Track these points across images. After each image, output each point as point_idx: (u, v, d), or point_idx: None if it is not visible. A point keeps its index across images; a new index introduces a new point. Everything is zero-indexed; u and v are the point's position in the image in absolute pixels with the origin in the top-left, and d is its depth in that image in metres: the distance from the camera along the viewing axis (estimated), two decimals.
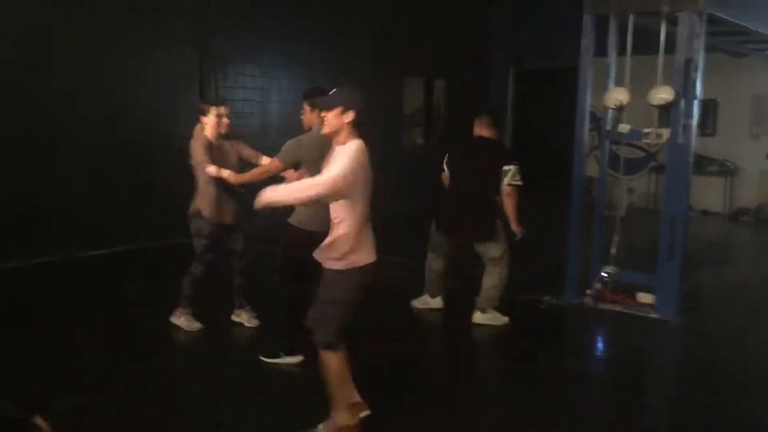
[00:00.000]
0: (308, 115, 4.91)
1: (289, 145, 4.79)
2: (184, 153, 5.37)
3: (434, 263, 6.18)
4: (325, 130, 3.76)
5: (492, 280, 5.86)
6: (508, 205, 5.87)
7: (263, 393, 4.50)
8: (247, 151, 5.48)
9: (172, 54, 8.72)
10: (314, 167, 4.72)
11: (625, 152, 8.34)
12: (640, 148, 10.73)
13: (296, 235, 4.74)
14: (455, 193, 6.00)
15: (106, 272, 7.39)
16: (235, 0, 9.24)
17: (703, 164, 11.51)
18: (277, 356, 4.94)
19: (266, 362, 4.93)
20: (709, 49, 5.94)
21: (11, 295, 6.37)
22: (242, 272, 5.64)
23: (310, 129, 4.89)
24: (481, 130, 6.09)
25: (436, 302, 6.25)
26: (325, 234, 3.78)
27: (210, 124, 5.29)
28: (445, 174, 6.08)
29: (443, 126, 13.28)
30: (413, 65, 12.32)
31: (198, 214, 5.35)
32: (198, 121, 5.35)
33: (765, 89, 11.52)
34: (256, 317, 5.70)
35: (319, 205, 4.30)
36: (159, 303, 5.85)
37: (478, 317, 5.88)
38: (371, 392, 3.86)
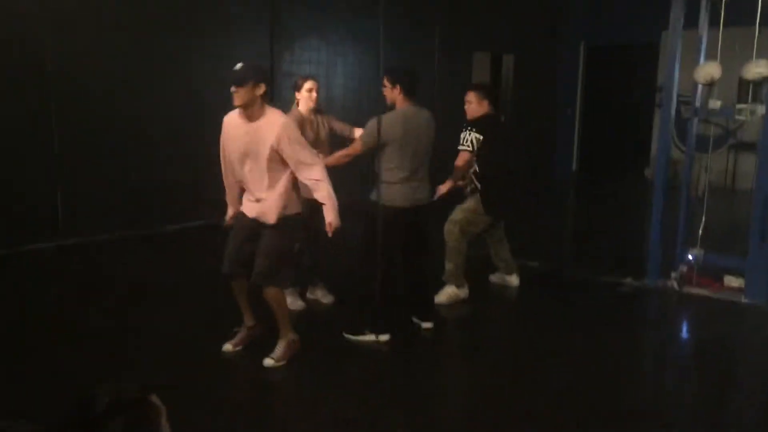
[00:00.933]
0: (388, 92, 4.87)
1: (370, 127, 4.73)
2: None
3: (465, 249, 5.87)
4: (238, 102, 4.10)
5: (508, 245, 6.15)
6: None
7: (342, 372, 4.46)
8: (338, 125, 5.53)
9: (244, 35, 8.72)
10: (398, 146, 4.68)
11: (702, 129, 7.94)
12: (718, 124, 10.33)
13: (391, 214, 4.74)
14: (501, 175, 5.75)
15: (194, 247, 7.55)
16: None
17: None
18: (362, 333, 4.90)
19: (350, 339, 4.89)
20: None
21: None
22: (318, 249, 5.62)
23: (393, 105, 4.84)
24: (483, 106, 5.72)
25: (513, 279, 6.23)
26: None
27: (302, 98, 5.32)
28: (467, 154, 5.60)
29: (510, 102, 13.01)
30: (482, 40, 12.08)
31: None
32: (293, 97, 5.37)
33: None
34: (330, 292, 5.70)
35: (413, 179, 4.33)
36: None
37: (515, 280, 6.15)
38: None
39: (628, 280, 6.32)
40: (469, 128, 5.61)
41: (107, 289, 5.91)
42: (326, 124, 5.47)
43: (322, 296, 5.71)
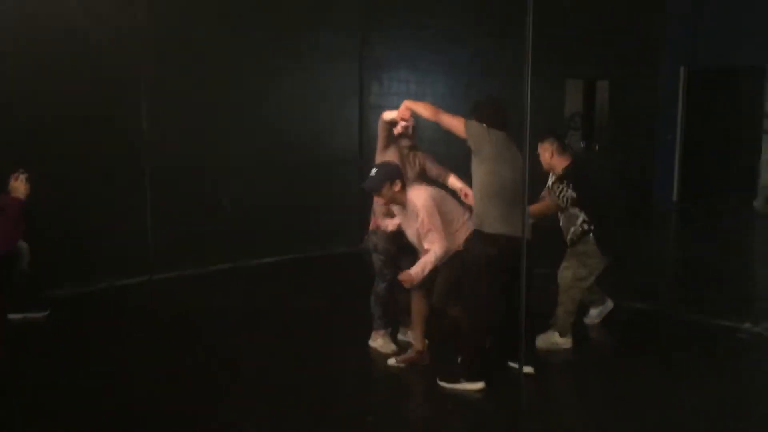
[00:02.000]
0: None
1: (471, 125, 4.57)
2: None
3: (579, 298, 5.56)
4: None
5: None
6: None
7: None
8: (433, 167, 5.30)
9: (332, 65, 8.70)
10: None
11: None
12: None
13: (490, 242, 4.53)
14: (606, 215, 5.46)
15: (280, 282, 7.51)
16: (390, 5, 9.08)
17: None
18: (457, 381, 4.62)
19: (444, 387, 4.63)
20: None
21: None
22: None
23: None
24: (559, 157, 5.40)
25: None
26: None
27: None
28: (551, 205, 5.41)
29: (608, 130, 12.51)
30: (574, 66, 11.68)
31: (376, 228, 5.20)
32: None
33: None
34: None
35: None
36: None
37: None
38: None
39: (747, 325, 5.78)
40: (565, 182, 5.31)
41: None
42: (421, 162, 5.23)
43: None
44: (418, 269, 4.61)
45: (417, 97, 9.47)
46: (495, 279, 4.57)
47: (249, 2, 7.89)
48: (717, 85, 13.17)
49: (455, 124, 4.55)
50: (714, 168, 13.25)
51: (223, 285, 7.30)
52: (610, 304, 5.91)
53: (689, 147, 13.23)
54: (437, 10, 9.46)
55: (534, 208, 5.29)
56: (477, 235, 4.58)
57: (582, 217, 5.34)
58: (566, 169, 5.35)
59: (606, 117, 12.70)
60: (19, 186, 5.82)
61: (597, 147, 12.52)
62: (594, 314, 5.93)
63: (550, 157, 5.39)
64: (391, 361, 5.04)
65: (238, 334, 5.73)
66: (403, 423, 4.29)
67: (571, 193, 5.27)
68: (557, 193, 5.33)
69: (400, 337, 5.49)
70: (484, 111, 4.65)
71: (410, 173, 5.07)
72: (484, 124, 4.57)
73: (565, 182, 5.30)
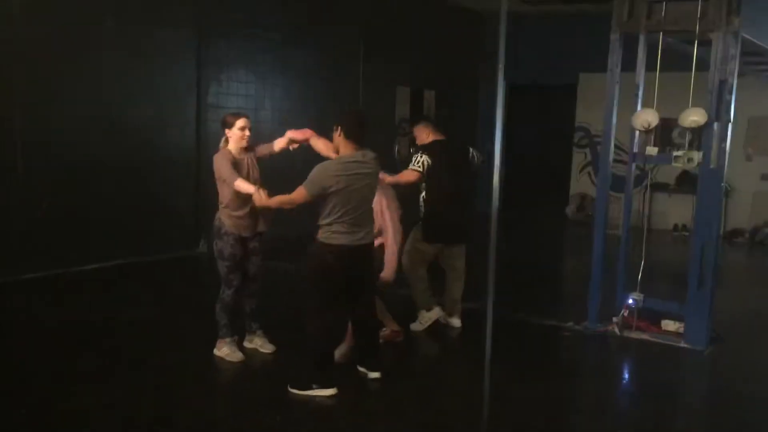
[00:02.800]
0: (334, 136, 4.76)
1: (315, 175, 4.50)
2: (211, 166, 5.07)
3: (424, 274, 6.02)
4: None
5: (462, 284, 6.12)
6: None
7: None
8: (260, 148, 5.17)
9: (170, 61, 8.36)
10: (344, 196, 4.47)
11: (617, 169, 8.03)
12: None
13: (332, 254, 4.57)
14: (447, 199, 5.84)
15: (114, 288, 7.10)
16: (232, 5, 8.90)
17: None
18: (309, 387, 4.61)
19: (296, 394, 4.60)
20: (703, 68, 5.83)
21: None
22: (254, 294, 5.30)
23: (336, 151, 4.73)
24: (432, 135, 5.95)
25: (455, 320, 6.19)
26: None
27: (234, 137, 4.99)
28: (417, 174, 5.76)
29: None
30: (404, 75, 12.09)
31: (219, 232, 5.03)
32: (222, 133, 5.07)
33: (761, 110, 11.50)
34: (271, 341, 5.37)
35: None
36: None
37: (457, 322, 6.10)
38: None
39: (569, 323, 6.28)
40: (420, 152, 5.80)
41: None
42: (254, 163, 5.12)
43: (261, 345, 5.38)
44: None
45: (256, 99, 9.36)
46: (333, 287, 4.61)
47: None
48: (533, 100, 14.17)
49: (299, 196, 4.52)
50: (531, 177, 14.24)
51: (44, 294, 6.74)
52: (455, 322, 6.15)
53: (508, 157, 14.11)
54: (276, 11, 9.41)
55: (399, 176, 5.69)
56: (317, 245, 4.60)
57: (423, 195, 5.80)
58: (431, 143, 5.84)
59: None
60: None
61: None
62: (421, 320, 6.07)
63: (426, 137, 5.90)
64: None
65: (69, 348, 5.32)
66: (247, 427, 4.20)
67: (426, 159, 5.71)
68: (413, 161, 5.74)
69: (246, 344, 5.38)
70: (349, 122, 4.63)
71: (244, 175, 4.96)
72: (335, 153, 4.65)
73: (421, 150, 5.77)
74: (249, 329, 5.40)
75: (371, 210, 4.77)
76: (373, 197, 4.79)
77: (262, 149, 5.17)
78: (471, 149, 6.16)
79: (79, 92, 7.44)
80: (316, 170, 4.51)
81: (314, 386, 4.61)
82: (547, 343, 6.02)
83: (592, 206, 12.36)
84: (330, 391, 4.62)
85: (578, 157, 13.42)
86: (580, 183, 13.31)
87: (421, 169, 5.72)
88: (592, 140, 12.91)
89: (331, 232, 4.53)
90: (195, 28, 8.53)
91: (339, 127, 4.59)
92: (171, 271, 7.86)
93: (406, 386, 4.96)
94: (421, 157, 5.74)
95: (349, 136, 4.58)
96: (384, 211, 5.19)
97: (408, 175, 5.77)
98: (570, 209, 13.12)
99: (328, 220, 4.53)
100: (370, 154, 4.67)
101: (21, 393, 4.46)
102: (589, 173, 13.07)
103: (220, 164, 4.91)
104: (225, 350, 5.17)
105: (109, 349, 5.32)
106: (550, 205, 13.69)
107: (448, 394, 4.92)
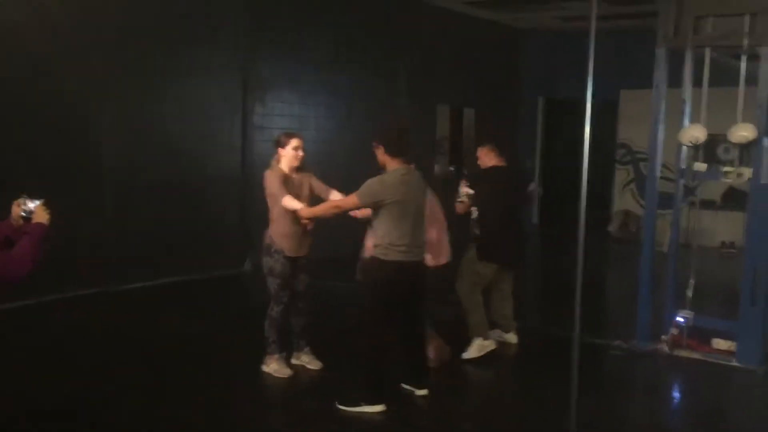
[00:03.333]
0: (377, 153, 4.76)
1: (369, 185, 4.57)
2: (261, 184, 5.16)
3: (481, 300, 5.95)
4: None
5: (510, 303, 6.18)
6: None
7: None
8: (317, 184, 5.25)
9: (215, 82, 8.54)
10: (399, 210, 4.51)
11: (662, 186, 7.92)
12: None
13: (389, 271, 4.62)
14: (502, 222, 5.88)
15: (162, 306, 7.21)
16: (275, 26, 9.07)
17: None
18: (357, 404, 4.63)
19: (344, 410, 4.62)
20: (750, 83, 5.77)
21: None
22: (302, 312, 5.36)
23: (383, 167, 4.71)
24: (494, 159, 6.04)
25: (511, 336, 6.25)
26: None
27: (287, 156, 5.09)
28: (465, 203, 5.87)
29: (471, 153, 13.03)
30: (445, 93, 12.15)
31: (270, 250, 5.10)
32: (275, 152, 5.17)
33: None
34: (317, 359, 5.42)
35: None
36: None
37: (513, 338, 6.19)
38: None
39: (617, 342, 6.21)
40: (463, 181, 5.94)
41: None
42: (308, 183, 5.22)
43: (308, 362, 5.42)
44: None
45: (300, 119, 9.49)
46: (389, 304, 4.65)
47: (133, 17, 7.59)
48: (573, 116, 14.08)
49: (350, 202, 4.67)
50: (571, 193, 14.11)
51: (99, 311, 6.87)
52: (511, 339, 6.23)
53: (548, 172, 14.07)
54: (319, 32, 9.55)
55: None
56: (374, 262, 4.64)
57: (474, 217, 5.82)
58: (489, 168, 5.95)
59: (472, 142, 13.23)
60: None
61: (466, 171, 13.00)
62: (492, 335, 6.04)
63: (488, 161, 6.01)
64: None
65: (123, 363, 5.43)
66: None
67: (467, 190, 5.78)
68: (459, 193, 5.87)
69: (293, 361, 5.43)
70: (388, 139, 4.69)
71: (293, 194, 5.04)
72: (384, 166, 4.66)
73: (465, 179, 5.86)
74: (297, 347, 5.45)
75: (423, 226, 4.79)
76: (424, 213, 4.81)
77: (319, 187, 5.24)
78: (532, 182, 6.33)
79: (128, 114, 7.62)
80: (371, 181, 4.58)
81: (362, 403, 4.63)
82: (596, 361, 5.94)
83: (636, 223, 12.27)
84: (378, 408, 4.63)
85: (621, 174, 13.30)
86: (623, 200, 13.17)
87: (463, 201, 5.86)
88: (634, 157, 12.79)
89: (387, 249, 4.56)
90: (240, 49, 8.68)
91: (380, 145, 4.64)
92: (218, 290, 7.96)
93: (456, 403, 4.95)
94: (461, 188, 5.87)
95: (392, 152, 4.63)
96: (431, 203, 5.15)
97: (457, 208, 5.91)
98: (613, 227, 12.98)
99: (383, 236, 4.56)
100: (414, 170, 4.71)
101: (73, 410, 4.55)
102: (632, 190, 12.93)
103: (271, 181, 5.01)
104: (274, 366, 5.24)
105: (160, 365, 5.41)
106: (592, 223, 13.53)
107: (500, 410, 4.90)
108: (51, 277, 6.89)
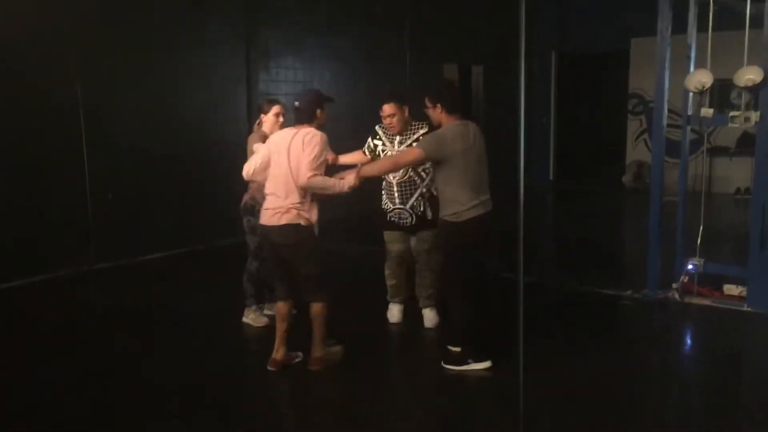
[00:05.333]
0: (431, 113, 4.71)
1: (434, 138, 4.58)
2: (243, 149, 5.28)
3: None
4: None
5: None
6: None
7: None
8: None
9: (219, 51, 8.52)
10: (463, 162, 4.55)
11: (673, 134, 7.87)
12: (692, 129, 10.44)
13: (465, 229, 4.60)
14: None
15: (165, 276, 7.30)
16: None
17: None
18: (465, 363, 4.66)
19: (451, 370, 4.66)
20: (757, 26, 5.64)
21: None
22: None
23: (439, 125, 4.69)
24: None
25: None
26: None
27: (268, 122, 5.30)
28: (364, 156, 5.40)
29: (480, 112, 12.95)
30: (451, 52, 12.02)
31: (253, 210, 5.21)
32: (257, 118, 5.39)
33: None
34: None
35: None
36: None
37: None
38: None
39: (628, 292, 6.22)
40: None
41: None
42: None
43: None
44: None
45: (305, 84, 9.46)
46: (469, 261, 4.69)
47: None
48: (585, 68, 13.92)
49: (414, 155, 4.59)
50: (585, 147, 14.04)
51: (110, 283, 7.00)
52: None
53: (562, 128, 13.96)
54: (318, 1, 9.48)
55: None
56: (450, 227, 4.61)
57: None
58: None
59: (481, 100, 13.14)
60: None
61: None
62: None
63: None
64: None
65: (133, 333, 5.54)
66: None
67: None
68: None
69: (266, 312, 5.61)
70: (444, 96, 4.65)
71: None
72: (442, 123, 4.63)
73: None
74: (270, 299, 5.55)
75: (487, 175, 4.73)
76: (487, 163, 4.73)
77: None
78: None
79: (132, 86, 7.61)
80: (434, 135, 4.58)
81: (470, 361, 4.65)
82: (606, 312, 5.97)
83: (650, 174, 12.16)
84: (486, 364, 4.64)
85: (633, 125, 13.17)
86: (637, 151, 13.06)
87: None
88: (647, 107, 12.63)
89: (459, 211, 4.55)
90: (242, 17, 8.65)
91: (438, 105, 4.58)
92: (225, 258, 7.96)
93: None
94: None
95: (449, 109, 4.59)
96: None
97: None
98: (626, 178, 12.89)
99: (453, 199, 4.56)
100: (471, 123, 4.71)
101: (98, 372, 4.67)
102: (645, 141, 12.80)
103: (251, 142, 5.19)
104: (251, 316, 5.53)
105: (176, 332, 5.54)
106: (605, 175, 13.49)
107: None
108: (64, 252, 7.06)
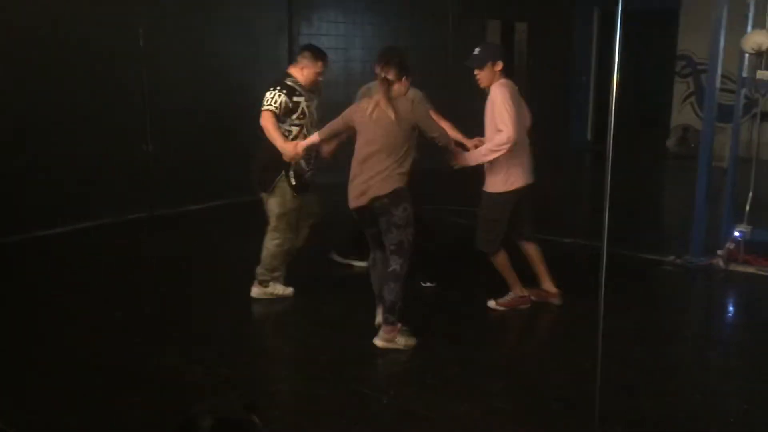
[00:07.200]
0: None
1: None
2: None
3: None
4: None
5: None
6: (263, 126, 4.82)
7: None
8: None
9: (261, 3, 8.44)
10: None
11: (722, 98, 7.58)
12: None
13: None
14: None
15: (204, 227, 7.37)
16: None
17: None
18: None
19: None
20: None
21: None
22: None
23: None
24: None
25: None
26: None
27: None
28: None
29: (525, 70, 12.74)
30: (495, 7, 11.79)
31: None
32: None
33: None
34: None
35: None
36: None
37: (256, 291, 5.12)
38: None
39: (671, 257, 6.13)
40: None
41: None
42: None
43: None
44: (484, 151, 4.57)
45: (346, 38, 9.37)
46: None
47: None
48: (629, 27, 13.52)
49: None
50: (626, 109, 13.71)
51: (151, 233, 7.08)
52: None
53: (603, 88, 13.63)
54: None
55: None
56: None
57: None
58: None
59: (525, 58, 12.90)
60: None
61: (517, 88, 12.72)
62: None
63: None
64: (491, 303, 5.04)
65: (182, 281, 5.64)
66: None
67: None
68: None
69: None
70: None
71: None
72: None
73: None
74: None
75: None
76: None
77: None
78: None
79: (173, 37, 7.58)
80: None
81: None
82: (648, 276, 5.90)
83: (696, 138, 11.88)
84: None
85: (680, 88, 12.82)
86: (682, 114, 12.73)
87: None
88: (695, 69, 12.29)
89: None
90: None
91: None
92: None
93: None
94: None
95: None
96: None
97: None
98: (671, 142, 12.61)
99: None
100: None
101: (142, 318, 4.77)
102: (692, 104, 12.48)
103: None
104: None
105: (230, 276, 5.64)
106: (648, 138, 13.21)
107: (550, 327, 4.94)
108: (103, 202, 7.15)
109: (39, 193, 6.64)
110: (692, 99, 12.46)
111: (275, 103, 4.79)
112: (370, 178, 4.17)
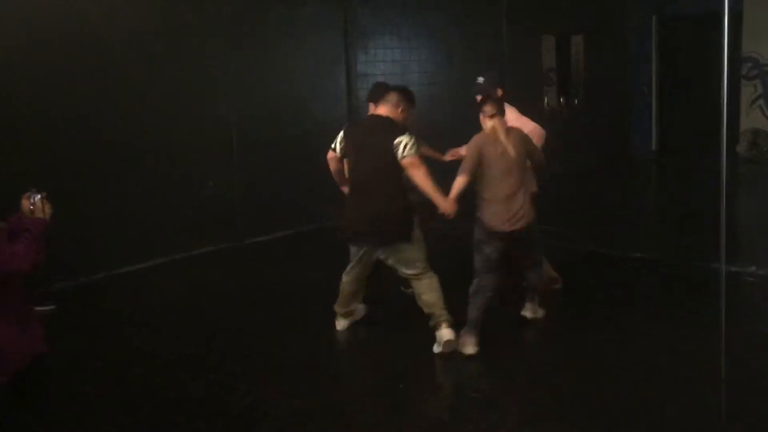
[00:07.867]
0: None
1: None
2: None
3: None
4: None
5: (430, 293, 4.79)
6: (417, 178, 4.54)
7: None
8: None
9: (317, 33, 8.56)
10: None
11: None
12: None
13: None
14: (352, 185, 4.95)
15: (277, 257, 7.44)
16: None
17: None
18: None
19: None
20: None
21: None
22: None
23: None
24: (379, 108, 4.81)
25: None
26: None
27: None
28: (334, 155, 5.01)
29: (583, 85, 12.55)
30: (548, 23, 11.67)
31: None
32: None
33: None
34: None
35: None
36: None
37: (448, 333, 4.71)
38: None
39: (752, 268, 5.89)
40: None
41: None
42: None
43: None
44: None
45: (402, 64, 9.41)
46: None
47: None
48: (689, 32, 13.20)
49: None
50: (691, 116, 13.35)
51: (219, 266, 7.16)
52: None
53: (666, 96, 13.31)
54: None
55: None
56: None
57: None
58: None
59: (582, 71, 12.71)
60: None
61: (576, 101, 12.55)
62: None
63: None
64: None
65: (254, 313, 5.69)
66: None
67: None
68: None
69: None
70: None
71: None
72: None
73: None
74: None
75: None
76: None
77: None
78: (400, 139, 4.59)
79: (229, 71, 7.68)
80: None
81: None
82: (729, 289, 5.65)
83: (766, 142, 11.48)
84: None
85: (747, 91, 12.39)
86: (751, 118, 12.31)
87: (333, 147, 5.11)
88: (762, 70, 11.89)
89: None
90: None
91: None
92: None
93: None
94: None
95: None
96: None
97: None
98: (741, 147, 12.19)
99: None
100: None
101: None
102: (760, 107, 12.07)
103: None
104: None
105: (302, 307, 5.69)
106: (717, 144, 12.78)
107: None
108: (176, 237, 7.27)
109: (118, 230, 6.82)
110: (761, 102, 12.05)
111: (418, 150, 4.55)
112: (522, 207, 4.61)
